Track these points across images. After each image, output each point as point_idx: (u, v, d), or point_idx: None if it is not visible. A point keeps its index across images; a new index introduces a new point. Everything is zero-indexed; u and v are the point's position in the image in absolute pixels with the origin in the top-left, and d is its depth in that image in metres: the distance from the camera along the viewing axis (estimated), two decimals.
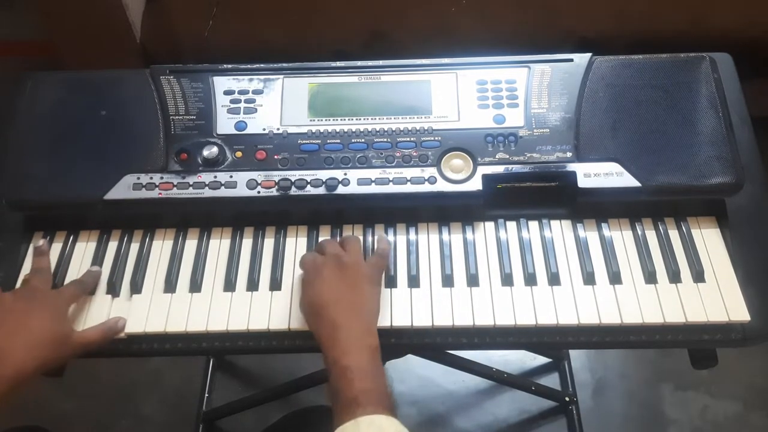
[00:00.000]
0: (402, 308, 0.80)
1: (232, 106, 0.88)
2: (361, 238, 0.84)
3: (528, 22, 1.48)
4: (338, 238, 0.84)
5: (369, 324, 0.75)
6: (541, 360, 1.56)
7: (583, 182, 0.82)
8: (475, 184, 0.83)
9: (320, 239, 0.85)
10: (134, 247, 0.86)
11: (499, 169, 0.84)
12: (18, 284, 0.83)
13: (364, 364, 0.71)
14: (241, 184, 0.83)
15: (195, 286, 0.83)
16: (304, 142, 0.86)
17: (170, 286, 0.83)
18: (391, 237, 0.86)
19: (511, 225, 0.86)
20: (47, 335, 0.74)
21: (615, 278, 0.81)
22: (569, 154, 0.84)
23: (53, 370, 0.77)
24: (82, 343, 0.76)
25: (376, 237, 0.84)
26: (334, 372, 0.71)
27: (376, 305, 0.77)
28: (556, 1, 1.49)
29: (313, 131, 0.86)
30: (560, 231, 0.85)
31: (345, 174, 0.84)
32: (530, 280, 0.81)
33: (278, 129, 0.87)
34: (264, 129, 0.87)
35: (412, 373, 1.49)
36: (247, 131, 0.86)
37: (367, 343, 0.72)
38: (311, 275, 0.78)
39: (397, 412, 0.69)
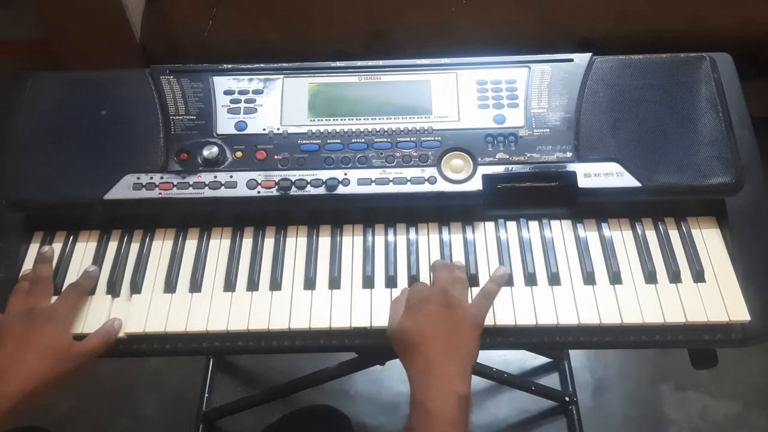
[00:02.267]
0: None
1: (232, 106, 0.88)
2: (425, 255, 0.82)
3: (528, 22, 1.48)
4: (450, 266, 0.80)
5: (464, 368, 0.71)
6: (541, 360, 1.56)
7: (583, 182, 0.82)
8: (475, 184, 0.83)
9: (433, 264, 0.80)
10: (134, 247, 0.86)
11: (499, 169, 0.84)
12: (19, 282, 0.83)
13: (451, 414, 0.67)
14: (241, 184, 0.83)
15: (195, 286, 0.83)
16: (304, 142, 0.86)
17: (170, 286, 0.83)
18: (391, 237, 0.86)
19: (511, 225, 0.86)
20: (48, 351, 0.74)
21: (615, 278, 0.81)
22: (569, 154, 0.84)
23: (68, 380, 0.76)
24: (83, 353, 0.76)
25: (492, 276, 0.78)
26: (417, 414, 0.68)
27: (475, 349, 0.73)
28: (556, 2, 1.50)
29: (313, 131, 0.86)
30: (560, 231, 0.85)
31: (345, 174, 0.84)
32: (530, 280, 0.81)
33: (278, 129, 0.87)
34: (264, 129, 0.87)
35: None
36: (247, 131, 0.86)
37: (457, 390, 0.68)
38: (415, 304, 0.74)
39: None
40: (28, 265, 0.85)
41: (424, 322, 0.72)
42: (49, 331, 0.76)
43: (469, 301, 0.77)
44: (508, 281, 0.81)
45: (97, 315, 0.80)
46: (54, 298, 0.81)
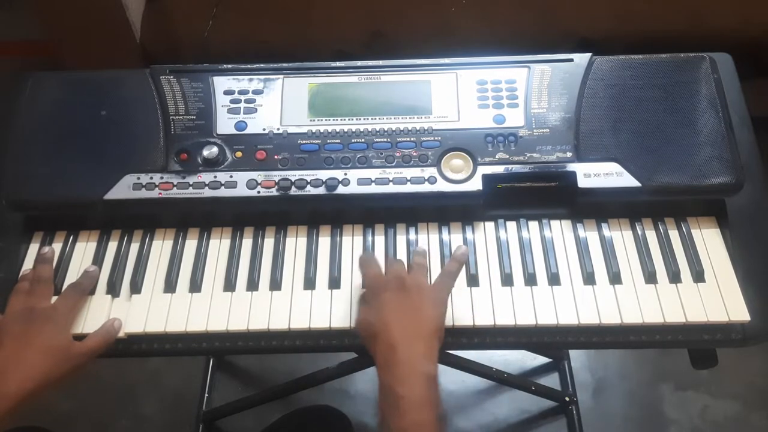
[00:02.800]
0: None
1: (232, 106, 0.88)
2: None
3: (528, 22, 1.48)
4: (405, 262, 0.81)
5: (429, 349, 0.71)
6: (541, 360, 1.56)
7: (583, 182, 0.82)
8: (475, 184, 0.83)
9: (385, 259, 0.82)
10: (134, 247, 0.86)
11: (499, 169, 0.84)
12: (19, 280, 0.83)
13: (419, 395, 0.68)
14: (241, 184, 0.83)
15: (195, 286, 0.83)
16: (304, 142, 0.86)
17: (170, 286, 0.83)
18: (391, 237, 0.86)
19: (511, 225, 0.86)
20: (48, 351, 0.75)
21: (615, 278, 0.81)
22: (569, 154, 0.84)
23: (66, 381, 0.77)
24: (83, 353, 0.76)
25: (452, 254, 0.80)
26: (386, 397, 0.69)
27: (439, 329, 0.74)
28: (556, 2, 1.49)
29: (313, 131, 0.86)
30: (560, 231, 0.85)
31: (345, 174, 0.84)
32: (530, 280, 0.81)
33: (278, 129, 0.87)
34: (264, 129, 0.87)
35: None
36: (247, 131, 0.86)
37: (425, 371, 0.69)
38: (371, 293, 0.76)
39: None
40: (28, 265, 0.85)
41: (383, 310, 0.73)
42: (49, 331, 0.76)
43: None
44: (508, 281, 0.81)
45: (97, 315, 0.80)
46: (54, 298, 0.81)
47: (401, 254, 0.84)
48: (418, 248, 0.83)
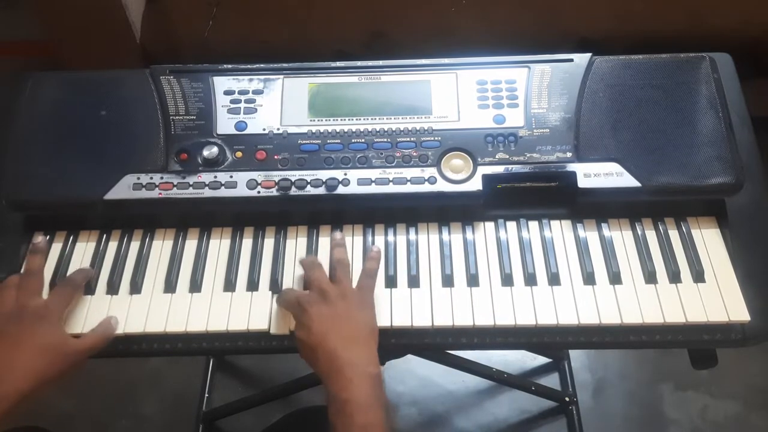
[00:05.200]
0: (402, 308, 0.80)
1: (232, 106, 0.88)
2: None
3: (528, 22, 1.48)
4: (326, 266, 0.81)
5: (368, 350, 0.73)
6: (541, 360, 1.56)
7: (583, 182, 0.82)
8: (475, 184, 0.83)
9: (307, 256, 0.83)
10: (134, 247, 0.86)
11: (499, 169, 0.84)
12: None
13: (365, 396, 0.69)
14: (241, 184, 0.83)
15: (195, 286, 0.83)
16: (304, 142, 0.86)
17: (170, 286, 0.83)
18: (391, 237, 0.85)
19: (511, 225, 0.86)
20: (42, 350, 0.74)
21: (615, 278, 0.81)
22: (569, 154, 0.84)
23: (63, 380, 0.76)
24: (79, 350, 0.76)
25: (367, 255, 0.82)
26: (333, 405, 0.70)
27: (371, 330, 0.76)
28: (556, 2, 1.49)
29: (313, 131, 0.86)
30: (560, 231, 0.85)
31: (345, 174, 0.84)
32: (530, 280, 0.81)
33: (278, 129, 0.87)
34: (264, 129, 0.87)
35: (412, 373, 1.49)
36: (247, 131, 0.86)
37: (366, 372, 0.71)
38: (299, 315, 0.76)
39: None
40: None
41: (314, 326, 0.74)
42: (43, 330, 0.75)
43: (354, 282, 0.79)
44: (508, 281, 0.81)
45: (96, 315, 0.80)
46: (45, 293, 0.80)
47: (401, 254, 0.84)
48: (336, 235, 0.83)
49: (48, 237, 0.87)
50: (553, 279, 0.81)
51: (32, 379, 0.72)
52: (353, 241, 0.85)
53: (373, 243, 0.85)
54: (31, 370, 0.72)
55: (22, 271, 0.82)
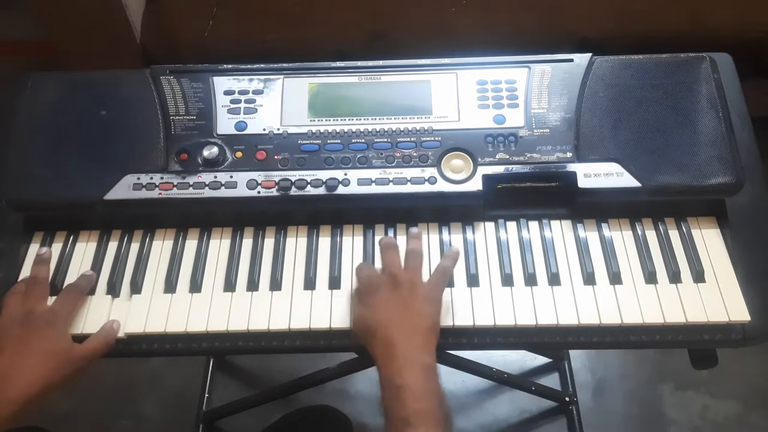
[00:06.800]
0: None
1: (232, 106, 0.88)
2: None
3: (528, 22, 1.48)
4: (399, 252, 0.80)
5: (425, 342, 0.73)
6: (541, 360, 1.56)
7: (583, 182, 0.82)
8: (475, 184, 0.83)
9: (380, 242, 0.82)
10: (134, 247, 0.86)
11: (500, 169, 0.84)
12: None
13: (419, 384, 0.69)
14: (241, 184, 0.83)
15: (195, 286, 0.83)
16: (304, 142, 0.86)
17: (170, 286, 0.83)
18: (390, 237, 0.85)
19: (511, 225, 0.86)
20: (49, 355, 0.74)
21: (615, 278, 0.81)
22: (569, 154, 0.84)
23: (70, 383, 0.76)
24: (84, 356, 0.76)
25: (445, 253, 0.82)
26: (387, 391, 0.70)
27: (433, 324, 0.75)
28: (556, 2, 1.49)
29: (313, 131, 0.86)
30: (560, 231, 0.85)
31: (345, 174, 0.84)
32: (530, 280, 0.81)
33: (278, 129, 0.87)
34: (264, 129, 0.87)
35: None
36: (248, 131, 0.86)
37: (422, 362, 0.71)
38: (366, 294, 0.77)
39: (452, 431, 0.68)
40: (28, 265, 0.84)
41: (378, 309, 0.74)
42: (49, 335, 0.76)
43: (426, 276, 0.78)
44: (509, 281, 0.81)
45: (97, 315, 0.80)
46: (51, 300, 0.80)
47: (401, 254, 0.84)
48: (413, 230, 0.83)
49: (48, 240, 0.87)
50: (553, 279, 0.81)
51: (38, 384, 0.72)
52: (353, 242, 0.85)
53: (373, 243, 0.85)
54: (38, 375, 0.72)
55: (27, 279, 0.81)
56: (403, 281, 0.76)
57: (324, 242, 0.85)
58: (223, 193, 0.83)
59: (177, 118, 0.87)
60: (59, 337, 0.76)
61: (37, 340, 0.75)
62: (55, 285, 0.83)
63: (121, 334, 0.79)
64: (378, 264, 0.81)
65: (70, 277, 0.84)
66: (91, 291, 0.83)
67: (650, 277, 0.81)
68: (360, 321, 0.76)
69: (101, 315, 0.80)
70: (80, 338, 0.78)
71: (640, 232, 0.85)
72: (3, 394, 0.70)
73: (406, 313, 0.74)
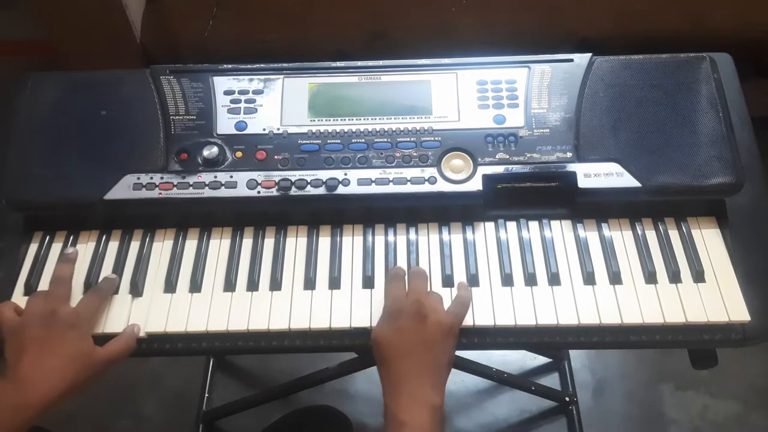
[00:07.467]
0: None
1: (232, 106, 0.88)
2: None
3: (528, 22, 1.48)
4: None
5: (439, 381, 0.72)
6: (541, 360, 1.56)
7: (583, 182, 0.82)
8: (475, 184, 0.83)
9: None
10: (134, 247, 0.86)
11: (500, 169, 0.84)
12: (40, 286, 0.82)
13: (423, 423, 0.68)
14: (241, 184, 0.83)
15: (195, 286, 0.83)
16: (304, 142, 0.86)
17: (170, 286, 0.83)
18: (391, 237, 0.86)
19: (511, 225, 0.86)
20: (71, 358, 0.73)
21: (615, 278, 0.81)
22: (569, 155, 0.84)
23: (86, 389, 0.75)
24: (107, 359, 0.75)
25: (457, 284, 0.81)
26: (390, 425, 0.69)
27: (449, 361, 0.74)
28: (556, 2, 1.49)
29: (314, 131, 0.86)
30: (560, 231, 0.85)
31: (345, 174, 0.84)
32: (530, 280, 0.81)
33: (278, 129, 0.87)
34: (264, 129, 0.87)
35: None
36: (248, 131, 0.87)
37: (430, 401, 0.70)
38: (390, 314, 0.75)
39: None
40: (28, 265, 0.85)
41: (398, 337, 0.73)
42: (72, 338, 0.74)
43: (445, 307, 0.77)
44: (508, 281, 0.81)
45: (96, 315, 0.80)
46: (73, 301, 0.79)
47: (401, 254, 0.84)
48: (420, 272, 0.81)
49: (49, 239, 0.87)
50: (553, 279, 0.81)
51: (60, 388, 0.71)
52: (353, 241, 0.85)
53: (373, 243, 0.85)
54: (60, 378, 0.72)
55: (51, 279, 0.81)
56: (428, 310, 0.74)
57: (324, 242, 0.85)
58: (223, 193, 0.83)
59: (177, 118, 0.87)
60: (82, 339, 0.75)
61: (60, 343, 0.73)
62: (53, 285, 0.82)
63: (141, 334, 0.78)
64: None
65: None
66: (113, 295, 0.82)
67: (650, 277, 0.81)
68: (379, 337, 0.74)
69: (101, 315, 0.80)
70: None
71: (640, 232, 0.85)
72: (25, 398, 0.69)
73: (424, 348, 0.73)
